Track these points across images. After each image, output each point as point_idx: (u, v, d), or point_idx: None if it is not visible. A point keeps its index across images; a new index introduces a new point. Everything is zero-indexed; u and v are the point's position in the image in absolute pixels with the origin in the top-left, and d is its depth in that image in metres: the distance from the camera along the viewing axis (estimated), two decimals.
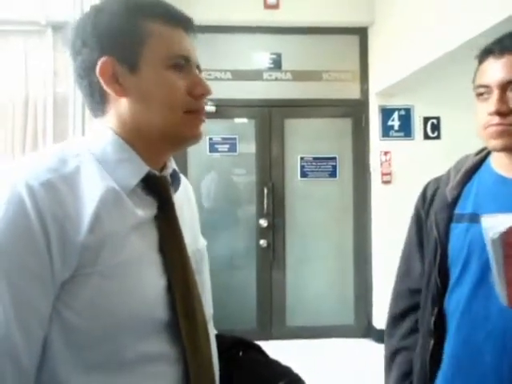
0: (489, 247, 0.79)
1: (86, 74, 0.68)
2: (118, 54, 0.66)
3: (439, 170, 1.13)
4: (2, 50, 3.24)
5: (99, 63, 0.66)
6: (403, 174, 3.61)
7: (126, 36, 0.66)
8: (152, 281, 0.65)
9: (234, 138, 3.75)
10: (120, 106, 0.68)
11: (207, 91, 0.70)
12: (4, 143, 3.18)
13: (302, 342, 3.55)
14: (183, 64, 0.68)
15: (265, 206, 3.68)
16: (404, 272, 1.13)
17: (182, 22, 0.70)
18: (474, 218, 0.94)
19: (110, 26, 0.66)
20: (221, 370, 0.76)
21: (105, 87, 0.67)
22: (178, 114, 0.68)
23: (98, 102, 0.70)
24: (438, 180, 1.08)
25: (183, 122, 0.69)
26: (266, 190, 3.69)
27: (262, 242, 3.66)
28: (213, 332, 0.77)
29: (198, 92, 0.69)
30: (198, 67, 0.73)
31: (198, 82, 0.70)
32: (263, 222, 3.66)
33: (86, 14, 0.69)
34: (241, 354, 0.80)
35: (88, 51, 0.67)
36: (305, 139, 3.81)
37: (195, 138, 0.72)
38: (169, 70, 0.67)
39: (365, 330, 3.75)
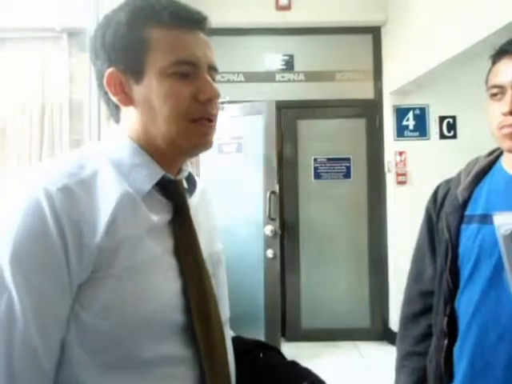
0: (501, 244, 0.79)
1: (101, 84, 0.70)
2: (123, 65, 0.67)
3: (456, 170, 1.11)
4: (19, 56, 3.31)
5: (105, 75, 0.67)
6: (418, 175, 3.57)
7: (130, 46, 0.66)
8: (167, 284, 0.65)
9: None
10: (129, 115, 0.69)
11: (214, 95, 0.68)
12: (21, 148, 3.24)
13: (318, 345, 3.53)
14: (188, 70, 0.66)
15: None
16: (415, 274, 1.13)
17: (191, 22, 0.68)
18: (485, 219, 0.93)
19: (115, 37, 0.67)
20: (242, 372, 0.76)
21: (111, 97, 0.68)
22: (183, 124, 0.67)
23: (112, 109, 0.72)
24: (448, 182, 1.08)
25: (189, 132, 0.67)
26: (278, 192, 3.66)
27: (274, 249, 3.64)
28: (229, 334, 0.77)
29: (203, 97, 0.67)
30: (212, 67, 0.70)
31: (204, 87, 0.67)
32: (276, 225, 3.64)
33: (98, 24, 0.70)
34: (261, 355, 0.81)
35: (99, 63, 0.69)
36: (318, 140, 3.79)
37: (203, 147, 0.70)
38: (172, 78, 0.66)
39: (381, 332, 3.71)
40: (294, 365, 0.79)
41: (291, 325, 3.69)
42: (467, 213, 0.98)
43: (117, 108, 0.71)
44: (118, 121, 0.73)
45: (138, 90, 0.67)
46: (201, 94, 0.67)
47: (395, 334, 3.92)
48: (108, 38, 0.67)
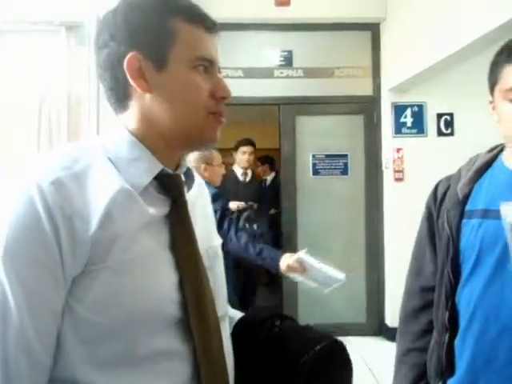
0: (507, 233, 0.80)
1: (110, 67, 0.68)
2: (146, 50, 0.66)
3: (453, 167, 1.12)
4: (17, 49, 3.29)
5: (127, 57, 0.66)
6: (416, 172, 3.58)
7: (158, 33, 0.66)
8: (163, 278, 0.65)
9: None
10: (143, 102, 0.68)
11: (228, 94, 0.71)
12: (19, 140, 3.23)
13: None
14: (208, 66, 0.70)
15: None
16: (415, 270, 1.13)
17: (210, 25, 0.71)
18: (486, 214, 0.94)
19: (143, 22, 0.66)
20: (260, 339, 0.79)
21: (131, 81, 0.67)
22: (201, 115, 0.69)
23: (120, 96, 0.69)
24: (449, 178, 1.08)
25: (205, 124, 0.70)
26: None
27: None
28: (226, 329, 0.77)
29: (219, 94, 0.70)
30: (219, 68, 0.74)
31: (220, 85, 0.71)
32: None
33: (117, 7, 0.69)
34: (278, 322, 0.83)
35: (115, 45, 0.67)
36: (316, 136, 3.79)
37: (213, 140, 0.72)
38: (195, 71, 0.68)
39: (377, 328, 3.73)
40: (311, 328, 0.82)
41: None
42: (468, 208, 0.98)
43: (126, 96, 0.69)
44: (121, 111, 0.70)
45: (157, 78, 0.67)
46: (218, 91, 0.70)
47: (391, 329, 3.93)
48: (134, 20, 0.66)
